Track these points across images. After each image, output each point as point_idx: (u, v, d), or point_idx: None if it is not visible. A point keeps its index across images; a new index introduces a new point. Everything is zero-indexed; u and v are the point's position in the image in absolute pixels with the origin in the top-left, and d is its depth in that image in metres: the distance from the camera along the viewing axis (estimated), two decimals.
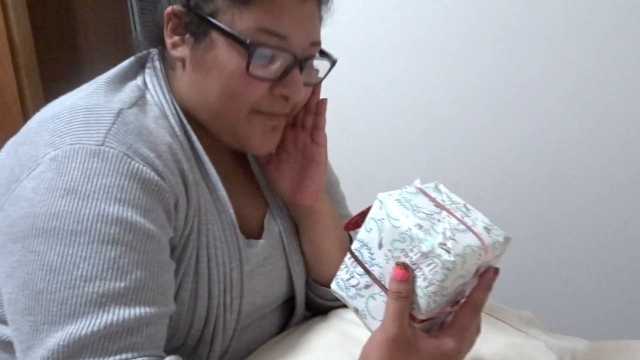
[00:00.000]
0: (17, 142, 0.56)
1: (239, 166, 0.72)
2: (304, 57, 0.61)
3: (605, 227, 1.26)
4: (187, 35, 0.60)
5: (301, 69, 0.60)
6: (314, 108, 0.69)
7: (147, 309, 0.50)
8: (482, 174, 1.33)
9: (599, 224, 1.26)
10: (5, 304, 0.52)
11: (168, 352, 0.53)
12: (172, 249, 0.57)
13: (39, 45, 1.67)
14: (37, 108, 0.59)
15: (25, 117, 1.63)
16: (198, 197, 0.60)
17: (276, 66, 0.59)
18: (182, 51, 0.61)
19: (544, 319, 0.82)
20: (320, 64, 0.66)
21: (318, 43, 0.63)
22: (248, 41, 0.56)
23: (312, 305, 0.77)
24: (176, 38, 0.61)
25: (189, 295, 0.58)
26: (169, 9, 0.60)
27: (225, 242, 0.62)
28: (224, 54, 0.58)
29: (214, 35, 0.58)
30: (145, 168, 0.53)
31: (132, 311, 0.49)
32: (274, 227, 0.71)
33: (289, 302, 0.75)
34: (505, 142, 1.30)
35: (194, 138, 0.62)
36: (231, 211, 0.63)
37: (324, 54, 0.65)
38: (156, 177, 0.53)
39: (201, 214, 0.60)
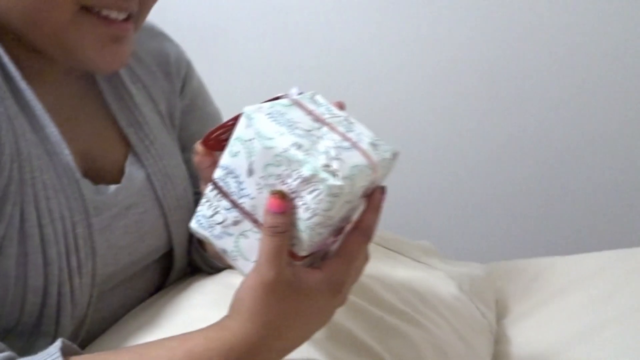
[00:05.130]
0: None
1: (89, 98, 0.58)
2: None
3: (495, 151, 1.28)
4: None
5: None
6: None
7: None
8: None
9: (488, 150, 1.28)
10: None
11: None
12: None
13: None
14: None
15: None
16: (16, 138, 0.46)
17: None
18: None
19: (440, 247, 0.80)
20: None
21: None
22: None
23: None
24: None
25: (14, 263, 0.46)
26: None
27: (62, 191, 0.49)
28: None
29: None
30: None
31: None
32: (138, 170, 0.59)
33: (169, 256, 0.64)
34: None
35: (7, 62, 0.48)
36: (67, 152, 0.50)
37: None
38: None
39: (22, 159, 0.47)
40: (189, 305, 0.55)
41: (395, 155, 0.43)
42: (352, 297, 0.55)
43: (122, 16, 0.50)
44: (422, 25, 1.24)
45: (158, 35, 0.66)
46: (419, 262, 0.70)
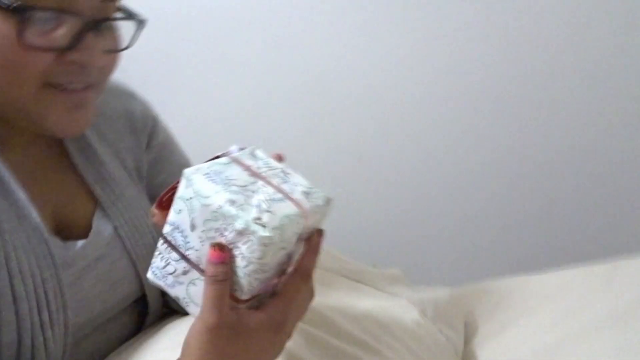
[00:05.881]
0: None
1: (56, 157, 0.63)
2: (98, 18, 0.53)
3: (461, 174, 1.29)
4: None
5: (96, 31, 0.53)
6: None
7: None
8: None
9: (452, 173, 1.30)
10: None
11: None
12: None
13: None
14: None
15: None
16: None
17: (62, 31, 0.51)
18: None
19: (411, 273, 0.83)
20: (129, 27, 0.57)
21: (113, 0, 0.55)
22: (15, 3, 0.48)
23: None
24: None
25: None
26: None
27: (32, 250, 0.53)
28: None
29: None
30: None
31: None
32: (105, 224, 0.63)
33: (144, 300, 0.68)
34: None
35: None
36: (34, 214, 0.55)
37: (128, 15, 0.57)
38: None
39: None
40: (157, 348, 0.59)
41: (328, 201, 0.48)
42: (311, 329, 0.59)
43: (80, 85, 0.55)
44: (410, 39, 1.26)
45: (124, 94, 0.71)
46: (382, 291, 0.73)
